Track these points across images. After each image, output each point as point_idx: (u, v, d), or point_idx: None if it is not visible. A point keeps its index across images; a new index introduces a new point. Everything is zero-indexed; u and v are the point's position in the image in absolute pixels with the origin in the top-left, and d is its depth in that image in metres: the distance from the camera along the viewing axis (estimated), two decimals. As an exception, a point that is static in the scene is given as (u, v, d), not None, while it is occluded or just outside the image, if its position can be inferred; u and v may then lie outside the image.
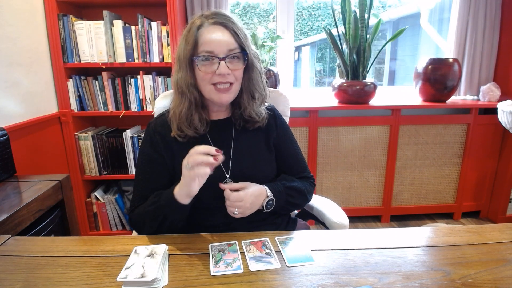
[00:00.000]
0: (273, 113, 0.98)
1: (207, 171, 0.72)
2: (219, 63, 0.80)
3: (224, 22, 0.81)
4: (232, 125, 0.93)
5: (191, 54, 0.81)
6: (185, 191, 0.75)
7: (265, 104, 0.96)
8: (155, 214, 0.78)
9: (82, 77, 1.80)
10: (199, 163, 0.71)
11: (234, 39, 0.81)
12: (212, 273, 0.63)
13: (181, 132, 0.86)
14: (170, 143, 0.87)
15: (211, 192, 0.86)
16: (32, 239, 0.80)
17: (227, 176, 0.87)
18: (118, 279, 0.60)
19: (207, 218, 0.88)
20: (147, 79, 1.79)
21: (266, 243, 0.74)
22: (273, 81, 1.97)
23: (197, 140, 0.88)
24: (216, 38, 0.80)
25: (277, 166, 0.96)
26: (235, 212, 0.79)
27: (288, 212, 0.98)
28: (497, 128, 2.11)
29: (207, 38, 0.80)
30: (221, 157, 0.73)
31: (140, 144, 1.85)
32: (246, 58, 0.84)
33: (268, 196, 0.84)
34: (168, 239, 0.77)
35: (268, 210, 0.85)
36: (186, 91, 0.84)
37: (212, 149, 0.72)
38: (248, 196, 0.80)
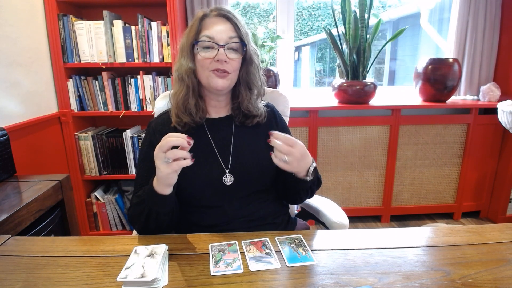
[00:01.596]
0: (272, 111, 0.99)
1: (189, 162, 0.69)
2: (218, 50, 0.82)
3: (227, 15, 0.85)
4: (232, 122, 0.93)
5: (192, 41, 0.84)
6: (164, 182, 0.73)
7: (263, 101, 0.98)
8: (140, 208, 0.78)
9: (82, 77, 1.80)
10: (179, 157, 0.68)
11: (235, 31, 0.85)
12: (212, 273, 0.63)
13: (179, 119, 0.88)
14: None
15: (210, 190, 0.86)
16: (32, 239, 0.79)
17: (227, 171, 0.87)
18: (118, 279, 0.60)
19: (207, 217, 0.87)
20: (147, 79, 1.79)
21: (266, 243, 0.74)
22: (273, 81, 1.97)
23: (197, 134, 0.88)
24: (218, 26, 0.83)
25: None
26: (285, 159, 0.73)
27: (309, 194, 0.93)
28: (497, 128, 2.11)
29: (209, 25, 0.84)
30: (191, 142, 0.69)
31: (140, 144, 1.85)
32: (245, 49, 0.86)
33: (313, 162, 0.81)
34: (168, 239, 0.77)
35: (311, 178, 0.81)
36: (185, 77, 0.86)
37: (184, 138, 0.68)
38: (299, 146, 0.75)
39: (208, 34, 0.82)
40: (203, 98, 0.91)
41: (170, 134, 0.69)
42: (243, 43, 0.85)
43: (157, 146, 0.68)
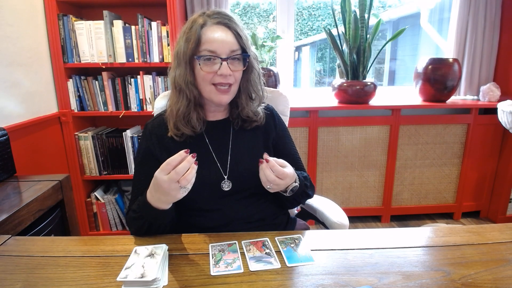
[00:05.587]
0: (271, 113, 0.97)
1: (195, 167, 0.68)
2: (221, 63, 0.80)
3: (227, 22, 0.81)
4: (230, 126, 0.92)
5: (192, 53, 0.81)
6: (173, 201, 0.72)
7: (263, 104, 0.96)
8: (140, 222, 0.77)
9: (82, 77, 1.80)
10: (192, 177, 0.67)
11: (237, 40, 0.82)
12: (212, 273, 0.63)
13: (178, 131, 0.85)
14: (167, 143, 0.87)
15: (208, 195, 0.86)
16: (32, 239, 0.80)
17: (225, 177, 0.87)
18: (118, 279, 0.60)
19: (206, 219, 0.87)
20: (147, 79, 1.79)
21: (266, 243, 0.74)
22: (273, 81, 1.97)
23: (194, 140, 0.87)
24: (219, 38, 0.80)
25: None
26: (269, 187, 0.76)
27: (295, 204, 0.95)
28: (497, 128, 2.11)
29: (210, 37, 0.80)
30: (194, 156, 0.68)
31: (138, 145, 1.84)
32: (247, 60, 0.84)
33: (295, 182, 0.81)
34: (168, 239, 0.77)
35: (289, 195, 0.82)
36: (185, 88, 0.83)
37: (184, 155, 0.66)
38: (286, 179, 0.77)
39: (209, 48, 0.79)
40: (203, 106, 0.89)
41: (169, 162, 0.66)
42: (245, 54, 0.83)
43: (167, 179, 0.65)
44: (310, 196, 0.93)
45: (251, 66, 0.87)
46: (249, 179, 0.87)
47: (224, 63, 0.80)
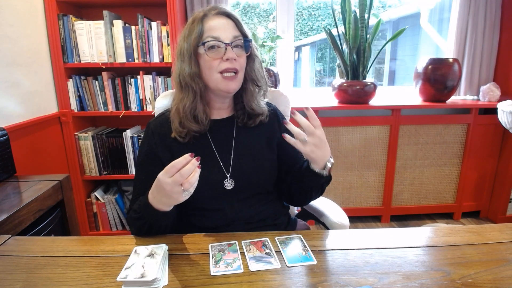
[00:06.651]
0: (275, 112, 0.98)
1: (198, 171, 0.67)
2: (226, 48, 0.81)
3: (227, 12, 0.84)
4: (234, 123, 0.92)
5: (196, 43, 0.82)
6: (170, 204, 0.72)
7: (266, 99, 0.97)
8: (140, 222, 0.77)
9: (82, 77, 1.80)
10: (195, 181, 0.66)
11: (238, 27, 0.84)
12: (212, 273, 0.63)
13: (183, 129, 0.85)
14: (169, 143, 0.87)
15: (211, 194, 0.86)
16: (32, 239, 0.80)
17: (228, 175, 0.87)
18: (118, 279, 0.60)
19: (207, 219, 0.87)
20: (147, 79, 1.79)
21: (266, 243, 0.74)
22: (273, 81, 1.97)
23: (197, 140, 0.87)
24: (221, 25, 0.82)
25: (281, 164, 0.94)
26: (305, 138, 0.73)
27: (319, 192, 0.91)
28: (497, 128, 2.11)
29: (212, 25, 0.82)
30: (198, 160, 0.67)
31: (139, 144, 1.85)
32: (250, 46, 0.86)
33: (330, 157, 0.80)
34: (168, 239, 0.77)
35: (326, 174, 0.80)
36: (190, 82, 0.83)
37: (188, 159, 0.65)
38: (321, 130, 0.75)
39: (213, 35, 0.81)
40: (208, 103, 0.90)
41: (174, 164, 0.64)
42: (247, 39, 0.85)
43: (171, 181, 0.64)
44: (330, 179, 0.90)
45: (254, 54, 0.88)
46: (252, 179, 0.87)
47: (229, 47, 0.81)
